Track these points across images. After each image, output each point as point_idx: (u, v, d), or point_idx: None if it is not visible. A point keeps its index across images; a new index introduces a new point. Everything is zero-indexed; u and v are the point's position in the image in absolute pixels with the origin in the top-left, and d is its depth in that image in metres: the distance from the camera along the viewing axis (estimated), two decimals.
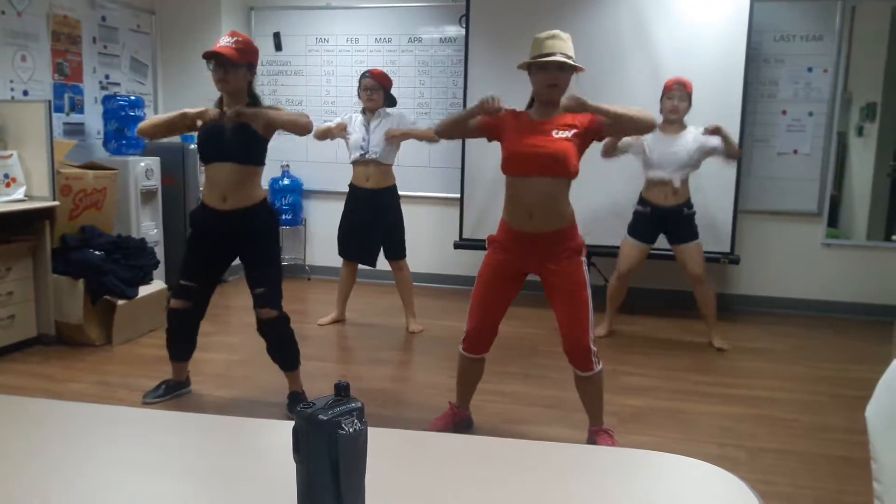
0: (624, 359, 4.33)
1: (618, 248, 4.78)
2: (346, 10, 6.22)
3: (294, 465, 0.92)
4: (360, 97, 4.70)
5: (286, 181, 6.27)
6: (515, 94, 4.94)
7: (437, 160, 6.06)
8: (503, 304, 3.03)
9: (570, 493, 1.08)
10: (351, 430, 0.88)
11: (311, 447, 0.89)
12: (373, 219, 4.69)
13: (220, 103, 3.29)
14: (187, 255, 3.41)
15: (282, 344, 3.44)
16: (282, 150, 6.35)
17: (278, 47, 6.41)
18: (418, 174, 6.10)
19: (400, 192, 4.80)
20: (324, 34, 6.30)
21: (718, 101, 5.11)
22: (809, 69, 5.42)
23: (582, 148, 2.87)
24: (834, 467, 2.95)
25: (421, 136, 4.67)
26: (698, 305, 4.66)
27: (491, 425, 3.30)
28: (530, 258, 2.92)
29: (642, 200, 4.61)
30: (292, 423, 0.93)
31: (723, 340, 4.64)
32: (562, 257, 2.88)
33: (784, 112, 5.50)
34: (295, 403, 3.40)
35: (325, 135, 4.63)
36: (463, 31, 5.72)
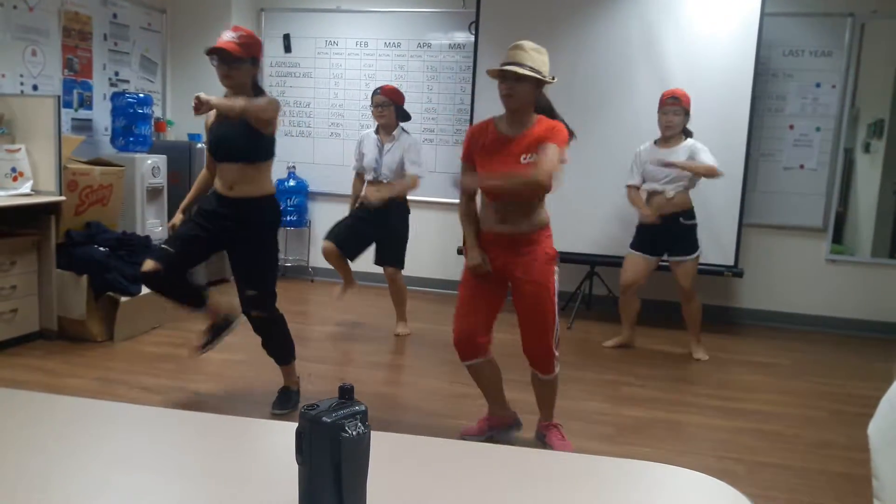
0: (625, 370, 4.32)
1: (622, 258, 4.78)
2: (355, 13, 6.24)
3: (296, 466, 0.92)
4: (372, 114, 4.68)
5: (292, 182, 6.28)
6: None
7: (443, 166, 6.07)
8: (486, 307, 2.99)
9: (568, 503, 1.08)
10: (354, 433, 0.88)
11: (314, 449, 0.89)
12: (375, 228, 4.64)
13: None
14: (182, 224, 3.36)
15: (274, 341, 3.46)
16: (288, 152, 6.37)
17: (288, 49, 6.43)
18: (423, 179, 6.11)
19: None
20: (333, 37, 6.32)
21: (726, 115, 5.12)
22: (818, 85, 5.42)
23: None
24: (834, 483, 2.94)
25: (405, 190, 4.57)
26: (684, 317, 4.68)
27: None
28: (504, 258, 2.92)
29: None
30: (294, 424, 0.93)
31: (704, 352, 4.65)
32: (533, 262, 2.88)
33: (791, 127, 5.50)
34: (283, 399, 3.45)
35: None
36: (472, 38, 5.74)
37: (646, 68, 5.23)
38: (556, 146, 2.75)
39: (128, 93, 5.46)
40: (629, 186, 4.63)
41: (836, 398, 4.00)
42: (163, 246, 3.28)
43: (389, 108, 4.57)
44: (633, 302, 4.75)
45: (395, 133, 4.60)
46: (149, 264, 3.18)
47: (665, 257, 4.60)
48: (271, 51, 6.48)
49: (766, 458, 3.16)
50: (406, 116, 4.71)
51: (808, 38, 5.40)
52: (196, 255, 3.34)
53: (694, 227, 4.53)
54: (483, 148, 2.90)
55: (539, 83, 2.81)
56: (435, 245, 6.09)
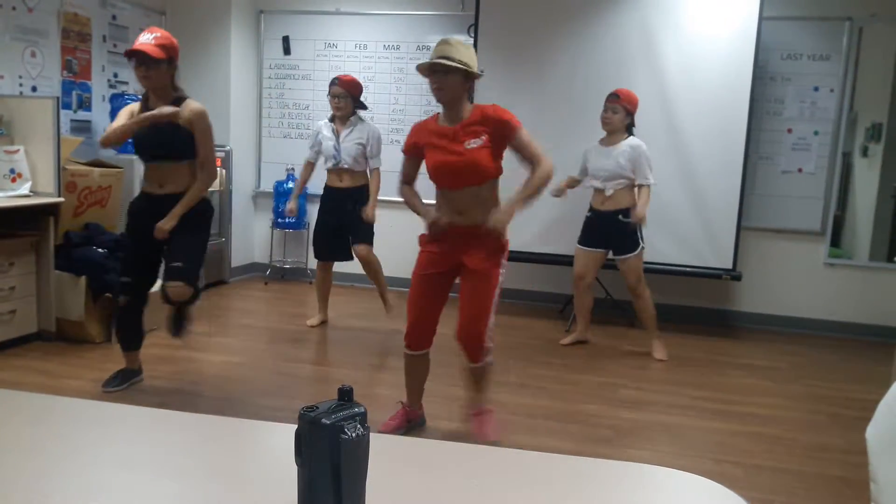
0: (622, 372, 4.33)
1: (572, 256, 4.87)
2: (355, 15, 6.24)
3: (295, 468, 0.92)
4: (330, 103, 4.74)
5: (291, 184, 6.27)
6: (522, 104, 4.97)
7: None
8: (438, 298, 3.12)
9: None
10: (353, 434, 0.88)
11: (314, 451, 0.89)
12: (345, 216, 4.74)
13: (145, 99, 3.41)
14: (124, 250, 3.61)
15: (182, 317, 3.58)
16: (287, 154, 6.37)
17: (287, 51, 6.43)
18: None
19: (395, 199, 4.79)
20: (332, 39, 6.32)
21: (724, 118, 5.13)
22: (816, 88, 5.43)
23: (498, 150, 2.96)
24: (831, 487, 2.95)
25: (374, 198, 4.74)
26: (637, 315, 4.71)
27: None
28: (459, 249, 3.01)
29: (589, 206, 4.73)
30: (294, 426, 0.93)
31: (663, 351, 4.66)
32: (483, 253, 2.98)
33: (789, 130, 5.51)
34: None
35: None
36: (471, 41, 5.73)
37: (644, 71, 5.23)
38: (520, 129, 2.92)
39: (127, 94, 5.45)
40: (569, 177, 4.76)
41: (834, 402, 4.00)
42: (122, 279, 3.54)
43: (347, 99, 4.65)
44: (585, 297, 4.80)
45: (351, 119, 4.68)
46: (121, 299, 3.54)
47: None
48: (270, 53, 6.48)
49: (764, 461, 3.16)
50: (362, 106, 4.78)
51: (807, 41, 5.41)
52: (150, 266, 3.56)
53: (634, 225, 4.57)
54: (429, 142, 3.02)
55: (468, 75, 2.91)
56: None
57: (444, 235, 3.03)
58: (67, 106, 5.16)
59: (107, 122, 5.43)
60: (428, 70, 2.92)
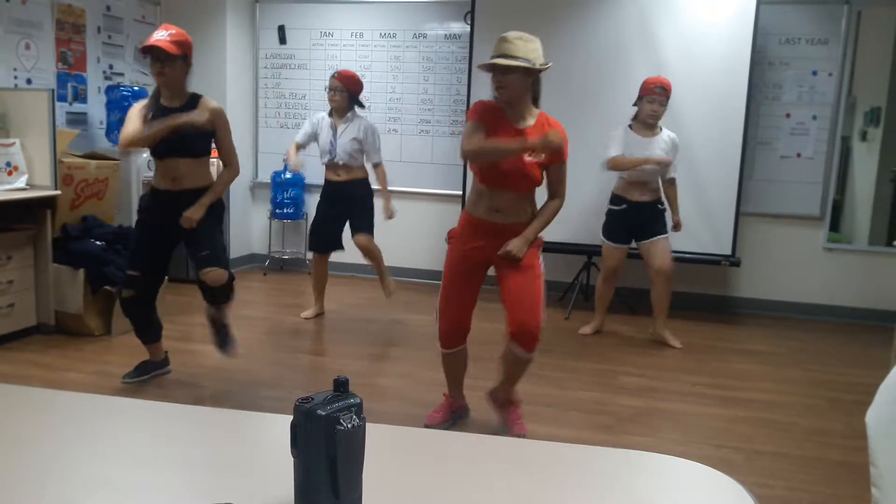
0: (623, 359, 4.33)
1: (598, 246, 4.83)
2: (351, 4, 6.21)
3: (291, 459, 0.91)
4: (327, 96, 4.72)
5: (288, 175, 6.25)
6: None
7: (439, 157, 6.05)
8: (473, 294, 3.07)
9: (566, 493, 1.08)
10: (349, 425, 0.88)
11: (309, 442, 0.88)
12: (343, 208, 4.74)
13: (156, 95, 3.39)
14: (132, 244, 3.56)
15: (223, 325, 3.60)
16: (284, 144, 6.34)
17: (283, 41, 6.40)
18: (420, 170, 6.10)
19: (402, 188, 4.80)
20: (328, 28, 6.29)
21: (722, 103, 5.11)
22: (814, 73, 5.41)
23: (544, 164, 2.93)
24: (830, 471, 2.95)
25: (387, 184, 4.76)
26: (654, 300, 4.67)
27: (488, 423, 3.30)
28: (493, 247, 2.95)
29: (616, 198, 4.64)
30: (290, 417, 0.92)
31: (675, 338, 4.67)
32: None
33: (788, 115, 5.49)
34: (223, 338, 3.63)
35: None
36: (468, 28, 5.71)
37: (642, 57, 5.20)
38: (566, 161, 2.93)
39: (122, 86, 5.43)
40: (612, 158, 4.48)
41: (834, 386, 4.01)
42: (129, 273, 3.46)
43: (343, 93, 4.62)
44: (611, 291, 4.84)
45: (348, 115, 4.66)
46: (124, 292, 3.47)
47: (636, 242, 4.65)
48: (266, 42, 6.45)
49: (764, 446, 3.17)
50: (359, 105, 4.75)
51: (805, 25, 5.38)
52: (160, 261, 3.52)
53: (665, 211, 4.62)
54: (493, 129, 2.87)
55: (529, 72, 2.81)
56: (427, 236, 6.08)
57: (480, 231, 2.98)
58: (63, 98, 5.13)
59: (103, 115, 5.42)
60: (489, 69, 2.84)
